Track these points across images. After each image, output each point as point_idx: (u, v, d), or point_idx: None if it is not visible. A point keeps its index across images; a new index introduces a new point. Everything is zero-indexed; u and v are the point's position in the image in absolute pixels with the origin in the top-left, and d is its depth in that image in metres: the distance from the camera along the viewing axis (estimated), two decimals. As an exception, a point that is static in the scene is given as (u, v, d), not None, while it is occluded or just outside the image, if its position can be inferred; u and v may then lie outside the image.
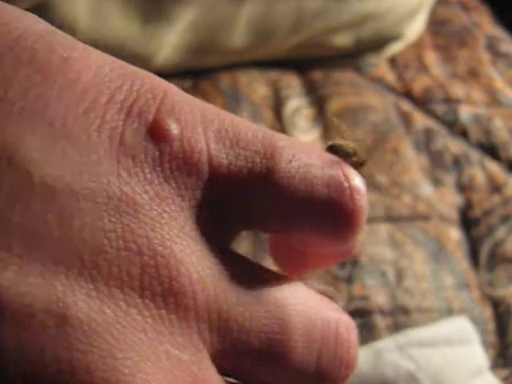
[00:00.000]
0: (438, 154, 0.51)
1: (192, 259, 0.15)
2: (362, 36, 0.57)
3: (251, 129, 0.16)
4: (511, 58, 0.62)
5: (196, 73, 0.52)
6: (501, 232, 0.45)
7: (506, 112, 0.55)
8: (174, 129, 0.15)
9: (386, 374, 0.35)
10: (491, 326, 0.40)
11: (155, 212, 0.14)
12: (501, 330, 0.40)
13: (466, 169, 0.50)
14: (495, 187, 0.48)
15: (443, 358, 0.36)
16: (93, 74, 0.15)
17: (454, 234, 0.45)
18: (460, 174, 0.49)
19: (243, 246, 0.41)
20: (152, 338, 0.14)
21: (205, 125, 0.15)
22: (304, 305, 0.16)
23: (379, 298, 0.39)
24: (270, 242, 0.19)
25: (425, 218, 0.45)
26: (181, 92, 0.16)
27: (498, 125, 0.54)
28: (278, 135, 0.16)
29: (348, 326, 0.17)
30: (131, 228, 0.14)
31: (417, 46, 0.62)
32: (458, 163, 0.50)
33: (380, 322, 0.38)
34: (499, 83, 0.58)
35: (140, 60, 0.47)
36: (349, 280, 0.40)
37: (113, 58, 0.16)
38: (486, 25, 0.66)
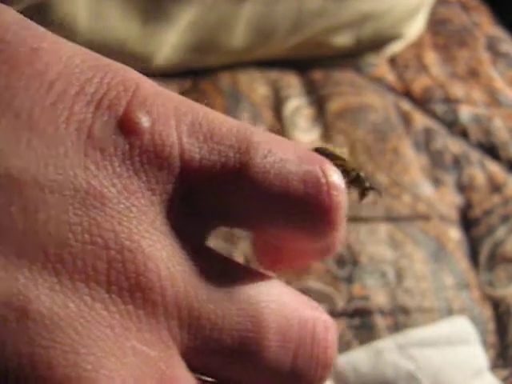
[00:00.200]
0: (438, 154, 0.51)
1: (161, 254, 0.14)
2: (361, 36, 0.57)
3: (226, 123, 0.16)
4: (511, 58, 0.62)
5: (196, 72, 0.52)
6: (501, 232, 0.45)
7: (505, 112, 0.55)
8: (144, 122, 0.15)
9: (386, 374, 0.35)
10: (491, 325, 0.40)
11: (123, 206, 0.14)
12: (501, 330, 0.40)
13: (465, 169, 0.50)
14: (495, 187, 0.48)
15: (443, 358, 0.36)
16: (63, 65, 0.14)
17: (454, 234, 0.45)
18: (460, 173, 0.49)
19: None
20: (118, 333, 0.14)
21: (178, 118, 0.15)
22: (279, 303, 0.16)
23: (379, 298, 0.39)
24: (252, 237, 0.19)
25: (425, 217, 0.45)
26: (155, 85, 0.15)
27: (498, 125, 0.54)
28: (255, 130, 0.16)
29: (326, 326, 0.17)
30: (98, 221, 0.14)
31: (417, 45, 0.62)
32: (457, 163, 0.50)
33: (380, 321, 0.38)
34: (499, 83, 0.58)
35: (140, 60, 0.47)
36: (349, 280, 0.40)
37: (85, 50, 0.15)
38: (486, 25, 0.66)
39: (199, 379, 0.16)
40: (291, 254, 0.18)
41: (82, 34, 0.43)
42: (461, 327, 0.38)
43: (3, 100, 0.14)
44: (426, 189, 0.47)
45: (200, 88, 0.51)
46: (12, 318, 0.13)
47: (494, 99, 0.57)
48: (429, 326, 0.38)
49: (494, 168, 0.50)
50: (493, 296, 0.42)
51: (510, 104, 0.56)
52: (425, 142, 0.51)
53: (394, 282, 0.40)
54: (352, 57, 0.58)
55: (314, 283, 0.39)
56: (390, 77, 0.58)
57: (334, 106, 0.53)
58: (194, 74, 0.52)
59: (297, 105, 0.53)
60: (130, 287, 0.14)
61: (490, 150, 0.52)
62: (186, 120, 0.15)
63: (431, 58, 0.61)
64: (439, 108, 0.55)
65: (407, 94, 0.56)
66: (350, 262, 0.41)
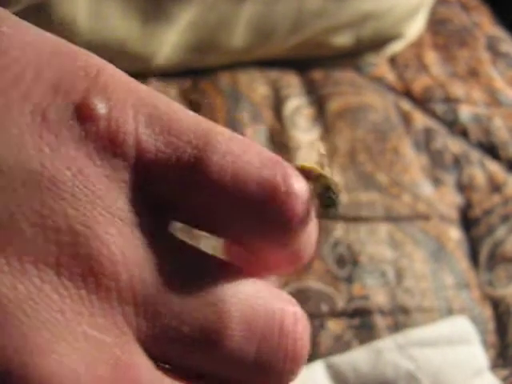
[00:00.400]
0: (438, 154, 0.51)
1: (116, 240, 0.14)
2: (361, 36, 0.57)
3: (188, 119, 0.16)
4: (511, 57, 0.62)
5: (196, 72, 0.52)
6: (501, 232, 0.45)
7: (506, 112, 0.55)
8: (101, 108, 0.15)
9: (386, 374, 0.35)
10: (491, 325, 0.40)
11: (77, 189, 0.14)
12: (501, 329, 0.40)
13: (465, 168, 0.50)
14: (495, 187, 0.48)
15: (443, 357, 0.36)
16: (21, 49, 0.14)
17: (454, 234, 0.45)
18: (460, 173, 0.49)
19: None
20: (69, 318, 0.14)
21: (137, 108, 0.15)
22: (245, 293, 0.16)
23: (379, 298, 0.39)
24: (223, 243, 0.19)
25: (425, 217, 0.45)
26: (119, 73, 0.15)
27: (498, 124, 0.54)
28: (219, 129, 0.16)
29: (296, 318, 0.17)
30: (49, 204, 0.14)
31: (417, 45, 0.61)
32: (457, 163, 0.50)
33: (380, 321, 0.38)
34: (499, 83, 0.58)
35: (140, 60, 0.47)
36: (349, 280, 0.40)
37: (48, 35, 0.15)
38: (486, 25, 0.66)
39: (160, 367, 0.15)
40: (259, 261, 0.18)
41: (82, 34, 0.43)
42: (461, 327, 0.38)
43: None
44: (426, 189, 0.47)
45: (200, 88, 0.51)
46: None
47: (494, 99, 0.57)
48: (429, 326, 0.38)
49: (494, 168, 0.50)
50: (493, 296, 0.42)
51: (510, 104, 0.56)
52: (425, 142, 0.51)
53: (393, 282, 0.40)
54: (352, 57, 0.58)
55: (313, 283, 0.39)
56: (390, 76, 0.58)
57: (334, 105, 0.53)
58: (193, 74, 0.52)
59: (297, 104, 0.53)
60: (82, 272, 0.14)
61: (490, 149, 0.52)
62: (145, 111, 0.15)
63: (431, 57, 0.61)
64: (439, 108, 0.55)
65: (407, 94, 0.56)
66: (349, 261, 0.41)
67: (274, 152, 0.17)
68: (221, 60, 0.53)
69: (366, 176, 0.47)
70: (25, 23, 0.15)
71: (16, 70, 0.14)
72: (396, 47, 0.60)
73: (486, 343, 0.39)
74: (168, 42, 0.48)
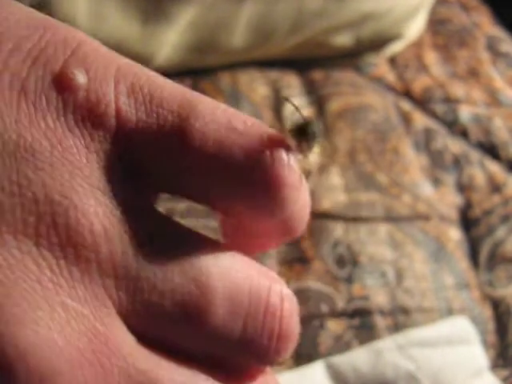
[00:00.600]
0: (438, 154, 0.51)
1: (96, 210, 0.14)
2: (361, 36, 0.57)
3: (170, 88, 0.16)
4: (511, 57, 0.62)
5: (196, 72, 0.52)
6: (501, 232, 0.45)
7: (506, 112, 0.55)
8: (80, 78, 0.14)
9: (386, 374, 0.35)
10: (491, 325, 0.40)
11: (56, 159, 0.14)
12: (501, 330, 0.40)
13: (465, 169, 0.50)
14: (495, 187, 0.48)
15: (443, 357, 0.36)
16: (1, 22, 0.14)
17: (454, 234, 0.45)
18: (460, 173, 0.49)
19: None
20: (47, 287, 0.13)
21: (118, 78, 0.15)
22: (230, 269, 0.16)
23: (379, 298, 0.39)
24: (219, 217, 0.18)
25: (425, 217, 0.45)
26: (99, 46, 0.15)
27: (498, 125, 0.54)
28: (202, 98, 0.16)
29: (282, 296, 0.16)
30: (27, 174, 0.14)
31: (417, 45, 0.61)
32: (457, 163, 0.50)
33: (380, 321, 0.38)
34: (499, 83, 0.58)
35: (140, 60, 0.47)
36: (348, 280, 0.40)
37: (28, 9, 0.15)
38: (486, 25, 0.66)
39: (143, 343, 0.15)
40: (253, 233, 0.17)
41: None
42: (461, 327, 0.38)
43: None
44: (426, 189, 0.47)
45: (200, 88, 0.51)
46: None
47: (494, 99, 0.57)
48: (429, 326, 0.38)
49: (494, 168, 0.50)
50: (493, 296, 0.42)
51: (510, 104, 0.56)
52: (425, 142, 0.51)
53: (393, 282, 0.40)
54: (352, 57, 0.58)
55: (313, 283, 0.39)
56: (390, 77, 0.58)
57: (333, 105, 0.53)
58: (193, 74, 0.52)
59: (297, 105, 0.53)
60: (61, 242, 0.14)
61: (490, 149, 0.52)
62: (126, 81, 0.15)
63: (431, 57, 0.61)
64: (439, 108, 0.55)
65: (407, 94, 0.56)
66: (349, 262, 0.41)
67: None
68: (221, 60, 0.53)
69: (366, 176, 0.47)
70: None
71: None
72: (396, 47, 0.60)
73: (486, 343, 0.39)
74: (168, 42, 0.48)
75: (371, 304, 0.39)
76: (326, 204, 0.44)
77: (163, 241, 0.15)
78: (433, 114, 0.54)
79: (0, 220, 0.13)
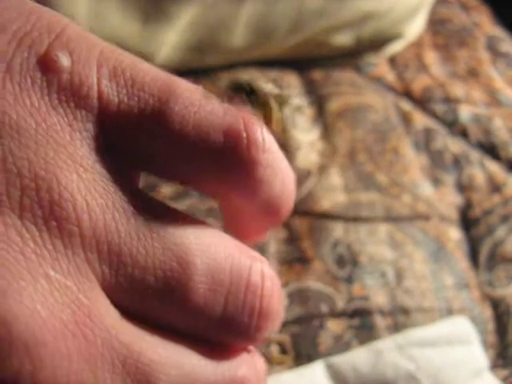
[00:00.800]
0: (438, 154, 0.51)
1: (79, 186, 0.15)
2: (361, 35, 0.57)
3: (152, 73, 0.16)
4: (511, 57, 0.62)
5: (196, 72, 0.52)
6: (501, 232, 0.45)
7: (505, 112, 0.55)
8: (64, 61, 0.15)
9: (385, 374, 0.35)
10: (491, 325, 0.40)
11: (40, 137, 0.14)
12: (501, 329, 0.40)
13: (465, 169, 0.50)
14: (495, 187, 0.48)
15: (443, 357, 0.36)
16: None
17: (454, 234, 0.45)
18: (460, 173, 0.49)
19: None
20: (30, 259, 0.14)
21: (100, 62, 0.15)
22: (212, 247, 0.16)
23: (379, 298, 0.39)
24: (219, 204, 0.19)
25: (425, 217, 0.45)
26: (83, 31, 0.16)
27: (498, 124, 0.54)
28: (182, 82, 0.16)
29: (264, 275, 0.17)
30: (12, 150, 0.14)
31: (417, 45, 0.61)
32: (457, 163, 0.50)
33: (380, 322, 0.38)
34: (499, 83, 0.58)
35: (140, 59, 0.47)
36: (348, 280, 0.40)
37: None
38: (486, 24, 0.66)
39: (127, 317, 0.15)
40: (240, 217, 0.18)
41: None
42: (461, 327, 0.38)
43: None
44: (426, 189, 0.47)
45: (200, 88, 0.51)
46: None
47: (493, 99, 0.57)
48: (429, 326, 0.38)
49: (494, 168, 0.50)
50: (492, 296, 0.42)
51: (510, 104, 0.56)
52: (425, 142, 0.51)
53: (393, 282, 0.40)
54: (352, 56, 0.58)
55: (313, 283, 0.39)
56: (390, 76, 0.58)
57: (333, 105, 0.53)
58: (193, 74, 0.52)
59: (297, 104, 0.53)
60: (44, 215, 0.14)
61: (490, 149, 0.52)
62: (108, 64, 0.16)
63: (431, 57, 0.61)
64: (439, 108, 0.55)
65: (407, 94, 0.56)
66: (349, 262, 0.41)
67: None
68: (221, 60, 0.53)
69: (365, 176, 0.47)
70: None
71: None
72: (396, 47, 0.60)
73: (485, 343, 0.39)
74: (168, 42, 0.48)
75: (371, 304, 0.39)
76: (326, 204, 0.44)
77: (145, 217, 0.16)
78: (433, 114, 0.54)
79: None
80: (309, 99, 0.54)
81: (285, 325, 0.37)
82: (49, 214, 0.14)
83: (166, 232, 0.16)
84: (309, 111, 0.53)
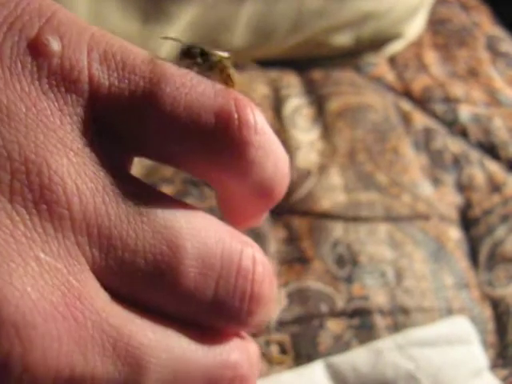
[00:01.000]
0: (438, 154, 0.51)
1: (69, 170, 0.15)
2: (361, 35, 0.57)
3: (142, 55, 0.16)
4: (511, 57, 0.62)
5: (196, 72, 0.52)
6: (500, 232, 0.45)
7: (505, 112, 0.55)
8: (54, 45, 0.15)
9: (385, 374, 0.35)
10: (491, 325, 0.40)
11: (30, 121, 0.14)
12: (500, 329, 0.40)
13: (465, 168, 0.50)
14: (495, 187, 0.49)
15: (443, 357, 0.36)
16: None
17: (454, 234, 0.45)
18: (460, 173, 0.49)
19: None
20: (20, 241, 0.14)
21: (91, 46, 0.16)
22: (203, 231, 0.16)
23: (379, 298, 0.39)
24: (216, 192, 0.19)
25: (424, 217, 0.45)
26: (73, 15, 0.16)
27: (498, 124, 0.54)
28: (173, 66, 0.16)
29: (255, 259, 0.17)
30: (2, 134, 0.14)
31: (416, 45, 0.61)
32: (457, 163, 0.50)
33: (380, 321, 0.38)
34: (499, 83, 0.58)
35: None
36: (348, 280, 0.40)
37: None
38: (486, 24, 0.66)
39: (117, 300, 0.15)
40: (234, 200, 0.18)
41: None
42: (460, 327, 0.38)
43: None
44: (426, 188, 0.47)
45: (200, 88, 0.51)
46: None
47: (493, 99, 0.57)
48: (428, 326, 0.38)
49: (494, 168, 0.50)
50: (492, 296, 0.42)
51: (509, 104, 0.56)
52: (424, 142, 0.51)
53: (393, 282, 0.40)
54: (352, 56, 0.58)
55: (313, 283, 0.40)
56: (390, 76, 0.58)
57: (333, 105, 0.53)
58: (193, 74, 0.52)
59: (297, 104, 0.53)
60: (34, 199, 0.14)
61: (490, 149, 0.52)
62: (99, 48, 0.16)
63: (431, 57, 0.61)
64: (439, 107, 0.55)
65: (407, 94, 0.56)
66: (349, 261, 0.41)
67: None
68: (221, 60, 0.53)
69: (365, 176, 0.47)
70: None
71: None
72: (396, 47, 0.60)
73: (485, 343, 0.39)
74: (168, 42, 0.48)
75: (371, 304, 0.39)
76: (326, 204, 0.45)
77: (135, 201, 0.16)
78: (432, 114, 0.54)
79: None
80: (309, 99, 0.54)
81: (285, 325, 0.37)
82: (39, 198, 0.14)
83: (156, 216, 0.16)
84: (309, 111, 0.53)
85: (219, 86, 0.17)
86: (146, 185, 0.16)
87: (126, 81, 0.16)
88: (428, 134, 0.52)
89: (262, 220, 0.20)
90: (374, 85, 0.56)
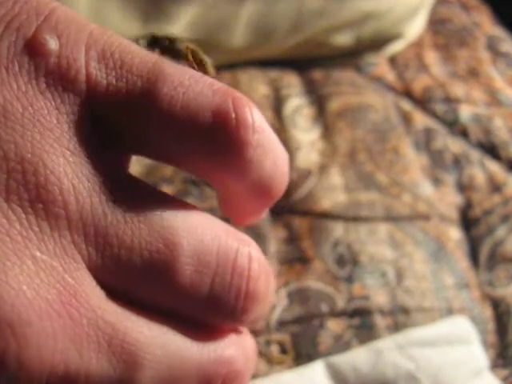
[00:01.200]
0: (438, 154, 0.51)
1: (66, 169, 0.15)
2: (362, 35, 0.57)
3: (140, 54, 0.16)
4: (511, 57, 0.62)
5: (196, 72, 0.52)
6: (501, 232, 0.45)
7: (506, 111, 0.55)
8: (51, 44, 0.15)
9: (385, 374, 0.35)
10: (491, 325, 0.40)
11: (27, 120, 0.14)
12: (501, 329, 0.40)
13: (466, 168, 0.50)
14: (495, 187, 0.48)
15: (443, 357, 0.36)
16: None
17: (454, 234, 0.45)
18: (460, 173, 0.49)
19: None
20: (16, 240, 0.14)
21: (89, 45, 0.15)
22: (199, 229, 0.16)
23: (379, 298, 0.39)
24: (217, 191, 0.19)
25: (425, 217, 0.45)
26: (72, 13, 0.16)
27: (498, 124, 0.54)
28: (171, 64, 0.16)
29: (251, 257, 0.17)
30: None
31: (417, 45, 0.61)
32: (458, 163, 0.50)
33: (380, 321, 0.38)
34: (499, 83, 0.58)
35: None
36: (349, 280, 0.40)
37: None
38: (487, 24, 0.66)
39: (114, 297, 0.15)
40: (234, 198, 0.18)
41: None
42: (461, 327, 0.38)
43: None
44: (426, 188, 0.47)
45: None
46: None
47: (494, 99, 0.57)
48: (429, 326, 0.38)
49: (495, 168, 0.50)
50: (493, 296, 0.42)
51: (510, 104, 0.56)
52: (425, 142, 0.51)
53: (393, 282, 0.40)
54: (352, 56, 0.58)
55: (313, 283, 0.39)
56: (390, 76, 0.58)
57: (334, 105, 0.53)
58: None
59: (297, 104, 0.53)
60: (30, 198, 0.14)
61: (491, 149, 0.52)
62: (97, 47, 0.16)
63: (431, 57, 0.61)
64: (439, 108, 0.55)
65: (407, 94, 0.56)
66: (349, 261, 0.41)
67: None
68: (221, 60, 0.53)
69: (366, 176, 0.47)
70: None
71: None
72: (396, 47, 0.60)
73: (485, 343, 0.39)
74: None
75: (371, 304, 0.39)
76: (326, 204, 0.44)
77: (132, 199, 0.16)
78: (433, 114, 0.54)
79: None
80: (309, 99, 0.54)
81: (285, 324, 0.37)
82: (35, 197, 0.14)
83: (152, 214, 0.16)
84: (309, 111, 0.53)
85: (218, 85, 0.16)
86: (144, 183, 0.16)
87: (124, 80, 0.16)
88: (428, 134, 0.52)
89: (263, 217, 0.20)
90: (375, 85, 0.56)
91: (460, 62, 0.60)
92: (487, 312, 0.41)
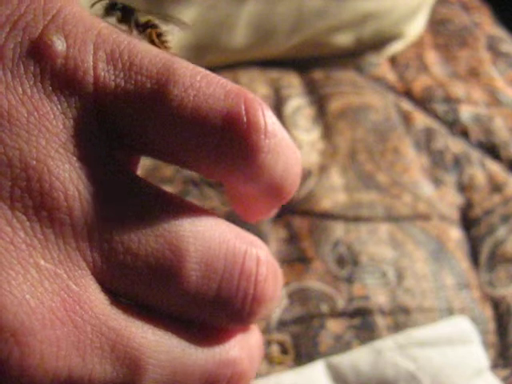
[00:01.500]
0: (439, 154, 0.51)
1: (70, 175, 0.14)
2: (362, 35, 0.57)
3: (150, 55, 0.16)
4: (511, 57, 0.62)
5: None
6: (501, 232, 0.45)
7: (506, 111, 0.55)
8: (58, 45, 0.15)
9: (386, 374, 0.35)
10: (491, 325, 0.40)
11: (32, 126, 0.14)
12: (501, 329, 0.40)
13: (466, 168, 0.50)
14: (496, 187, 0.48)
15: (444, 357, 0.36)
16: None
17: (455, 234, 0.45)
18: (460, 173, 0.49)
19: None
20: (20, 248, 0.14)
21: (97, 45, 0.15)
22: (206, 233, 0.16)
23: (379, 298, 0.39)
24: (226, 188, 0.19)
25: (425, 217, 0.45)
26: (80, 11, 0.15)
27: (499, 124, 0.54)
28: (183, 65, 0.16)
29: (259, 260, 0.17)
30: (3, 139, 0.14)
31: (417, 45, 0.61)
32: (458, 163, 0.50)
33: (380, 321, 0.38)
34: (500, 83, 0.58)
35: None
36: (349, 280, 0.40)
37: None
38: (487, 24, 0.66)
39: (119, 302, 0.15)
40: (244, 198, 0.18)
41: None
42: (461, 327, 0.38)
43: None
44: (427, 188, 0.47)
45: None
46: None
47: (494, 99, 0.57)
48: (429, 326, 0.38)
49: (495, 168, 0.50)
50: (493, 296, 0.42)
51: (510, 103, 0.56)
52: (425, 142, 0.51)
53: (394, 282, 0.40)
54: (352, 56, 0.58)
55: (314, 283, 0.39)
56: (391, 76, 0.58)
57: (334, 105, 0.53)
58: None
59: (297, 104, 0.53)
60: (35, 205, 0.14)
61: (491, 149, 0.52)
62: (106, 47, 0.15)
63: (432, 57, 0.61)
64: (440, 107, 0.55)
65: (408, 94, 0.56)
66: (350, 261, 0.41)
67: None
68: (221, 60, 0.53)
69: (366, 176, 0.47)
70: None
71: None
72: (396, 47, 0.60)
73: (486, 343, 0.39)
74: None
75: (371, 304, 0.39)
76: (327, 204, 0.44)
77: (137, 203, 0.15)
78: (433, 114, 0.54)
79: None
80: (309, 99, 0.54)
81: (285, 325, 0.37)
82: (39, 204, 0.14)
83: (159, 219, 0.15)
84: (309, 111, 0.53)
85: (230, 86, 0.16)
86: (152, 186, 0.16)
87: (133, 81, 0.15)
88: (429, 134, 0.52)
89: (273, 213, 0.20)
90: (375, 85, 0.56)
91: (460, 62, 0.60)
92: (487, 312, 0.41)
